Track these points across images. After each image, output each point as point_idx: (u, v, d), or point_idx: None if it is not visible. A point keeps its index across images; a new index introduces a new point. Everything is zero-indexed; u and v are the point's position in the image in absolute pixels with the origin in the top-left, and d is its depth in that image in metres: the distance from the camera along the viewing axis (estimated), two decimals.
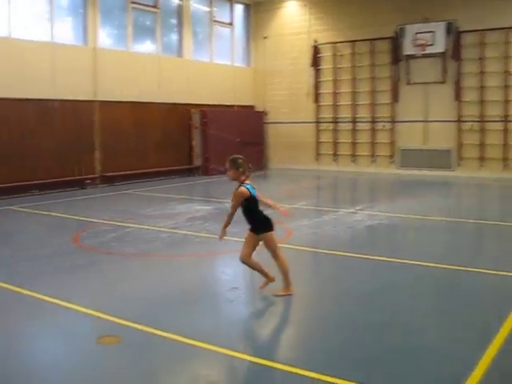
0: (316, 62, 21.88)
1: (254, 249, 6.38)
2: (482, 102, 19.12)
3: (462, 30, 19.01)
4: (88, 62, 16.88)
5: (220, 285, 7.20)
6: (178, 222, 11.07)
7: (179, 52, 20.40)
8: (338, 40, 21.38)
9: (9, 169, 14.81)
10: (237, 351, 4.94)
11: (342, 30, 21.22)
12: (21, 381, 4.53)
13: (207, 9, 21.53)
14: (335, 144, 21.86)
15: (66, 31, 17.03)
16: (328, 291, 6.87)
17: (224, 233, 6.41)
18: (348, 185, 19.29)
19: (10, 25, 15.02)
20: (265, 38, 22.91)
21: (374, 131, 21.08)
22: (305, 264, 8.48)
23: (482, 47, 18.93)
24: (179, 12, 20.27)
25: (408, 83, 20.28)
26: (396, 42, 20.07)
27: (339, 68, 21.54)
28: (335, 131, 21.82)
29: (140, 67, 18.45)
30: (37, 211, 12.74)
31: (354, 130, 21.43)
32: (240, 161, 6.34)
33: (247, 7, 23.24)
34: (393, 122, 20.71)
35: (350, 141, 21.53)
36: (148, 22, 19.48)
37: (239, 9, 23.09)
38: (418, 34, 19.38)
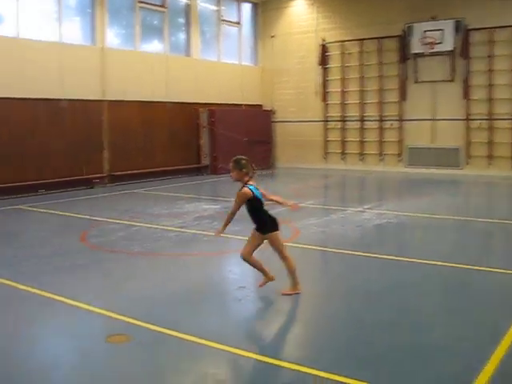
0: (324, 60, 21.85)
1: (256, 247, 6.40)
2: (490, 100, 19.04)
3: (470, 27, 18.93)
4: (96, 62, 16.93)
5: (227, 284, 7.21)
6: (185, 221, 11.09)
7: (187, 51, 20.42)
8: (346, 38, 21.34)
9: (17, 168, 14.88)
10: (244, 350, 4.94)
11: (350, 28, 21.18)
12: (29, 379, 4.55)
13: (215, 8, 21.54)
14: (343, 143, 21.82)
15: (74, 31, 17.08)
16: (336, 290, 6.87)
17: (222, 230, 6.43)
18: (356, 183, 19.26)
19: (18, 25, 15.09)
20: (272, 36, 22.90)
21: (381, 130, 21.04)
22: (313, 263, 8.47)
23: (490, 45, 18.84)
24: (187, 11, 20.29)
25: (416, 81, 20.22)
26: (404, 40, 20.01)
27: (347, 66, 21.50)
28: (343, 130, 21.79)
29: (148, 67, 18.49)
30: (45, 210, 12.79)
31: (362, 129, 21.39)
32: (243, 161, 6.34)
33: (255, 6, 23.24)
34: (401, 120, 20.65)
35: (357, 139, 21.49)
36: (156, 22, 19.51)
37: (247, 8, 23.09)
38: (427, 32, 19.31)
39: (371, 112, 21.14)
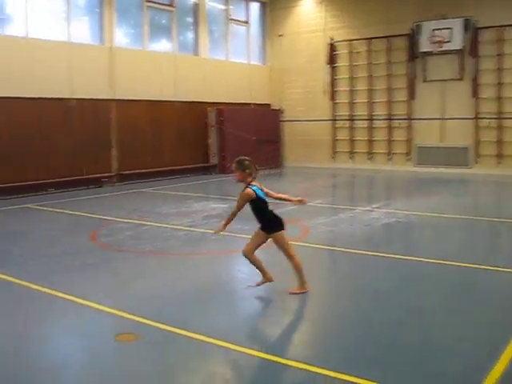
0: (332, 59, 21.83)
1: (258, 246, 6.44)
2: (499, 99, 18.96)
3: (479, 26, 18.85)
4: (105, 61, 16.99)
5: (236, 283, 7.22)
6: (194, 220, 11.11)
7: (195, 50, 20.45)
8: (354, 37, 21.30)
9: (26, 167, 14.96)
10: (253, 349, 4.96)
11: (358, 27, 21.14)
12: (38, 378, 4.58)
13: (223, 7, 21.55)
14: (351, 142, 21.79)
15: (82, 31, 17.14)
16: (344, 289, 6.87)
17: (222, 229, 6.48)
18: (364, 183, 19.22)
19: (27, 25, 15.16)
20: (280, 35, 22.89)
21: (390, 129, 20.99)
22: (321, 262, 8.48)
23: (500, 43, 18.75)
24: (195, 10, 20.32)
25: (424, 80, 20.16)
26: (412, 39, 19.95)
27: (355, 65, 21.46)
28: (351, 129, 21.76)
29: (156, 66, 18.53)
30: (54, 209, 12.85)
31: (371, 128, 21.35)
32: (246, 162, 6.38)
33: (263, 5, 23.24)
34: (409, 119, 20.60)
35: (366, 138, 21.46)
36: (164, 21, 19.54)
37: (255, 7, 23.09)
38: (435, 31, 19.24)
39: (380, 111, 21.10)
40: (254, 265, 6.51)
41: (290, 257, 6.42)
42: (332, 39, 21.72)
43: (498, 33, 18.69)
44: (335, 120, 22.05)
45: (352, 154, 21.81)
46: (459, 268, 7.55)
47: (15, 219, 12.00)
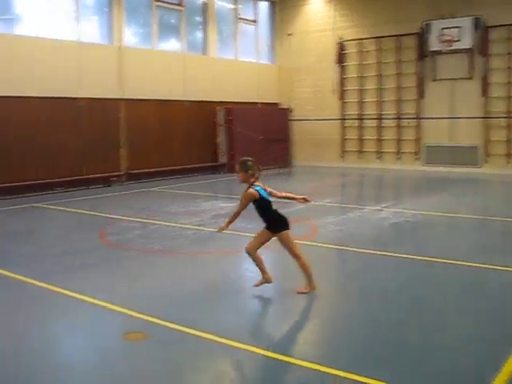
0: (341, 58, 21.79)
1: (261, 244, 6.45)
2: (509, 98, 18.87)
3: (489, 25, 18.76)
4: (114, 61, 17.03)
5: (244, 282, 7.21)
6: (202, 219, 11.12)
7: (204, 50, 20.46)
8: (363, 36, 21.26)
9: (35, 166, 15.02)
10: (261, 348, 4.95)
11: (367, 26, 21.09)
12: (48, 376, 4.61)
13: (232, 6, 21.56)
14: (360, 141, 21.75)
15: (91, 30, 17.21)
16: (353, 288, 6.85)
17: (225, 228, 6.48)
18: (373, 182, 19.17)
19: (37, 24, 15.22)
20: (289, 34, 22.88)
21: (399, 128, 20.94)
22: (330, 261, 8.47)
23: (509, 42, 18.66)
24: (204, 10, 20.33)
25: (434, 79, 20.10)
26: (422, 37, 19.89)
27: (364, 64, 21.42)
28: (360, 128, 21.72)
29: (165, 65, 18.56)
30: (63, 208, 12.90)
31: (380, 127, 21.30)
32: (249, 163, 6.41)
33: (272, 4, 23.22)
34: (418, 118, 20.54)
35: (375, 138, 21.41)
36: (173, 20, 19.57)
37: (264, 6, 23.09)
38: (445, 30, 19.18)
39: (389, 110, 21.05)
40: (255, 263, 6.51)
41: (295, 256, 6.44)
42: (341, 38, 21.69)
43: (508, 31, 18.59)
44: (344, 119, 22.02)
45: (361, 153, 21.77)
46: (469, 268, 7.52)
47: (25, 218, 12.06)
